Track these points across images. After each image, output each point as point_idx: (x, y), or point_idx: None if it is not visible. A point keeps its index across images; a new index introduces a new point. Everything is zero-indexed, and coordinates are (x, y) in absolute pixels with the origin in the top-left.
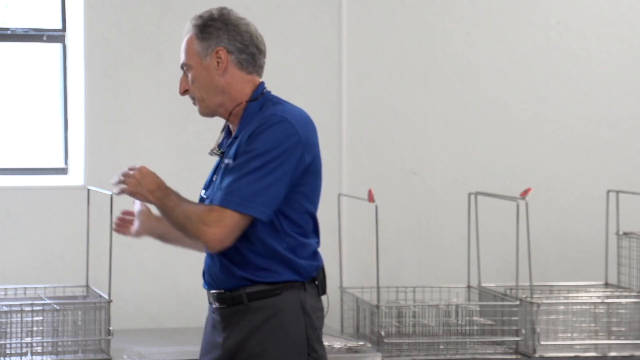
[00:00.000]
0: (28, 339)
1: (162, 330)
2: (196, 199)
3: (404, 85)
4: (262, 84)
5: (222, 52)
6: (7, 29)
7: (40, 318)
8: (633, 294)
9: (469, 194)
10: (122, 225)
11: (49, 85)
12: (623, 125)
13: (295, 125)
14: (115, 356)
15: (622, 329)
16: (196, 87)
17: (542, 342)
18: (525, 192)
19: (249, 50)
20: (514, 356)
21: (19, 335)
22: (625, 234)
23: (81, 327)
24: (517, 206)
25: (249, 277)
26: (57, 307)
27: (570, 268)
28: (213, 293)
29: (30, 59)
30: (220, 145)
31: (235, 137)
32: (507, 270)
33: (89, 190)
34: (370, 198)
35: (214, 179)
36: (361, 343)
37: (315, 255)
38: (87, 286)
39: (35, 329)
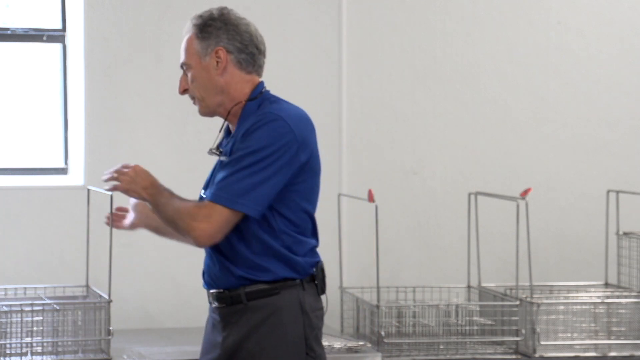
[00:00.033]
0: (28, 339)
1: (162, 330)
2: (196, 199)
3: (404, 85)
4: (261, 83)
5: (221, 51)
6: (7, 29)
7: (40, 318)
8: (633, 294)
9: (469, 194)
10: (114, 219)
11: (49, 85)
12: (623, 125)
13: (290, 124)
14: (115, 356)
15: (622, 329)
16: (195, 86)
17: (542, 342)
18: (525, 192)
19: (248, 50)
20: (514, 356)
21: (19, 335)
22: (625, 234)
23: (81, 327)
24: (517, 206)
25: (247, 276)
26: (57, 307)
27: (570, 268)
28: (213, 293)
29: (30, 59)
30: (219, 145)
31: (233, 136)
32: (507, 270)
33: (89, 190)
34: (370, 198)
35: None
36: (361, 343)
37: (312, 252)
38: (87, 286)
39: (35, 329)
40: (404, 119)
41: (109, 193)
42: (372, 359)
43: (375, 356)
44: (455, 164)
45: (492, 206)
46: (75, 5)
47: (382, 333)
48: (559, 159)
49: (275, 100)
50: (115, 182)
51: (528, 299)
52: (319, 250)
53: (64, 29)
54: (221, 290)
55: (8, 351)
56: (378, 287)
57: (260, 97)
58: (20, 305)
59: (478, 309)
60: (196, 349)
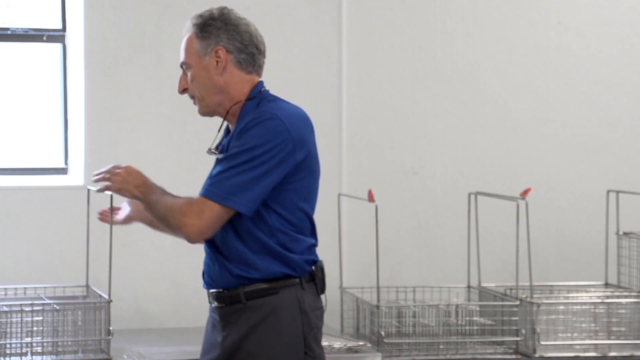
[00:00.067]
0: (28, 339)
1: (162, 330)
2: (189, 196)
3: (404, 85)
4: (260, 82)
5: (221, 51)
6: (7, 29)
7: (40, 318)
8: (633, 294)
9: (469, 194)
10: (105, 215)
11: (49, 85)
12: (623, 125)
13: (286, 122)
14: (115, 356)
15: (622, 329)
16: (195, 86)
17: (542, 342)
18: (525, 192)
19: (248, 50)
20: (514, 356)
21: (19, 335)
22: (625, 234)
23: (81, 327)
24: (517, 206)
25: (244, 275)
26: (57, 307)
27: (570, 268)
28: (212, 292)
29: (30, 59)
30: (219, 145)
31: (230, 135)
32: (507, 270)
33: (89, 190)
34: (370, 198)
35: None
36: (361, 343)
37: (309, 250)
38: (87, 286)
39: (35, 329)
40: (404, 119)
41: (109, 193)
42: (372, 359)
43: (375, 356)
44: (455, 164)
45: (492, 206)
46: (75, 5)
47: (382, 333)
48: (559, 159)
49: (274, 99)
50: (106, 183)
51: (528, 299)
52: (319, 250)
53: (64, 29)
54: (220, 290)
55: (8, 351)
56: (378, 287)
57: (259, 97)
58: (20, 305)
59: (478, 309)
60: (196, 349)
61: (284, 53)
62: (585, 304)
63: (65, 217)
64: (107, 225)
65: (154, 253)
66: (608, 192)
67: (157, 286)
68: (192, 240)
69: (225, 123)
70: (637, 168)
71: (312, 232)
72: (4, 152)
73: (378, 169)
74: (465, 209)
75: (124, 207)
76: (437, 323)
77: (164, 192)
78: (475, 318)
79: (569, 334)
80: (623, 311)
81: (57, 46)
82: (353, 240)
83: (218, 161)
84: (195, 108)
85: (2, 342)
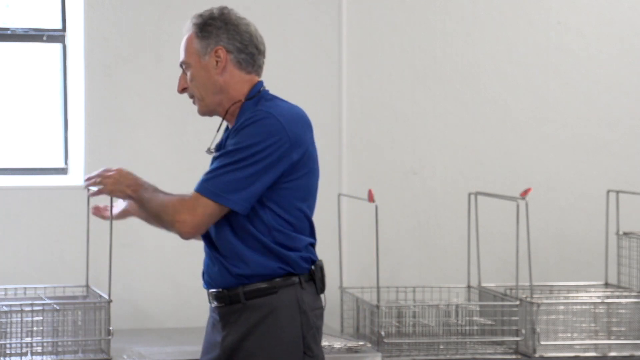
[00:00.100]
0: (28, 339)
1: (162, 330)
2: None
3: (404, 85)
4: (259, 82)
5: (221, 51)
6: (7, 29)
7: (40, 318)
8: (633, 294)
9: (469, 194)
10: (97, 211)
11: (49, 85)
12: (623, 125)
13: (281, 121)
14: (115, 356)
15: (622, 329)
16: (195, 85)
17: (542, 342)
18: (525, 192)
19: (248, 50)
20: (514, 356)
21: (19, 335)
22: (625, 234)
23: (81, 327)
24: (517, 206)
25: (243, 273)
26: (57, 307)
27: (570, 268)
28: (212, 292)
29: (30, 59)
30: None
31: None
32: (507, 270)
33: (89, 190)
34: (370, 198)
35: None
36: (361, 343)
37: (307, 249)
38: (87, 286)
39: (35, 329)
40: (404, 119)
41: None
42: (372, 359)
43: (375, 356)
44: (455, 164)
45: (492, 206)
46: (75, 5)
47: (382, 333)
48: (559, 159)
49: (271, 98)
50: (99, 187)
51: (528, 299)
52: (319, 250)
53: (64, 29)
54: (220, 290)
55: (8, 351)
56: (378, 287)
57: (258, 96)
58: (20, 305)
59: (478, 309)
60: (196, 349)
61: (284, 53)
62: (585, 304)
63: (65, 217)
64: (107, 225)
65: (154, 253)
66: (608, 192)
67: (157, 286)
68: (185, 236)
69: (225, 123)
70: (637, 168)
71: (311, 232)
72: (4, 152)
73: (378, 169)
74: (465, 209)
75: (120, 202)
76: (437, 323)
77: (156, 190)
78: (475, 318)
79: (569, 334)
80: (623, 311)
81: (57, 46)
82: (353, 240)
83: (214, 159)
84: (195, 108)
85: (2, 342)
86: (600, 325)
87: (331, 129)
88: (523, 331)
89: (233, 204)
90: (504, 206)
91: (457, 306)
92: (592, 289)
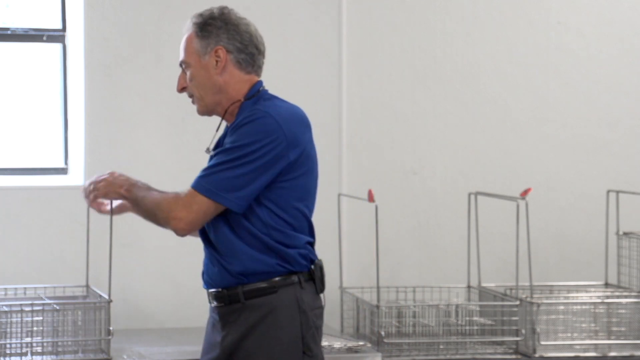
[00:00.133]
0: (28, 339)
1: (162, 330)
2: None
3: (404, 85)
4: (258, 82)
5: (221, 51)
6: (7, 29)
7: (40, 318)
8: (633, 294)
9: (469, 194)
10: (99, 202)
11: (49, 85)
12: (623, 125)
13: (278, 121)
14: (115, 356)
15: (622, 329)
16: (194, 85)
17: (542, 342)
18: (525, 192)
19: (248, 50)
20: (514, 356)
21: (19, 335)
22: (625, 234)
23: (81, 327)
24: (517, 206)
25: (243, 272)
26: (57, 307)
27: (570, 268)
28: (211, 292)
29: (30, 59)
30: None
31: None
32: (507, 270)
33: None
34: (370, 198)
35: None
36: (361, 343)
37: (305, 246)
38: (87, 286)
39: (35, 329)
40: (404, 119)
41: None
42: (372, 359)
43: (375, 356)
44: (455, 164)
45: (492, 206)
46: (75, 5)
47: (382, 333)
48: (559, 159)
49: (270, 98)
50: (94, 194)
51: (528, 299)
52: (319, 250)
53: (64, 29)
54: (219, 290)
55: (8, 351)
56: (378, 287)
57: (256, 96)
58: (20, 305)
59: (478, 309)
60: (196, 349)
61: (284, 53)
62: (585, 304)
63: (65, 217)
64: (107, 225)
65: (154, 253)
66: (608, 192)
67: (157, 286)
68: (180, 233)
69: (224, 122)
70: (637, 168)
71: (310, 231)
72: (4, 152)
73: (378, 169)
74: (465, 209)
75: None
76: (437, 323)
77: (149, 188)
78: (475, 318)
79: (569, 334)
80: (623, 311)
81: (57, 46)
82: (353, 240)
83: (211, 157)
84: (195, 108)
85: (2, 342)
86: (600, 325)
87: (331, 129)
88: (523, 331)
89: (229, 203)
90: (504, 206)
91: (457, 306)
92: (592, 289)
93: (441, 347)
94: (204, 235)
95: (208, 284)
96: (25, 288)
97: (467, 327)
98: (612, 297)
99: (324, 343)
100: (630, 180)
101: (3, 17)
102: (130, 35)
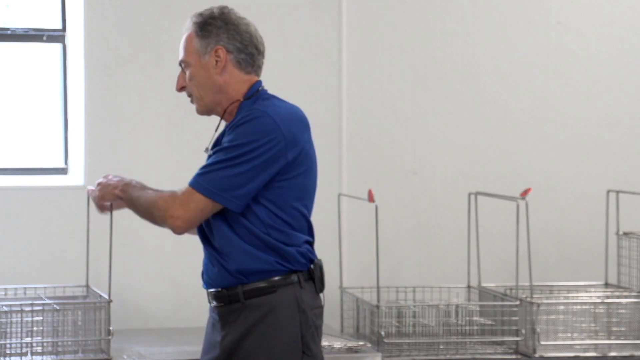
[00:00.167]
0: (28, 339)
1: (162, 330)
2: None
3: (404, 85)
4: (257, 82)
5: (221, 50)
6: (7, 29)
7: (40, 318)
8: (633, 294)
9: (469, 194)
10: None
11: (49, 85)
12: (623, 125)
13: (276, 121)
14: (115, 356)
15: (622, 329)
16: (194, 84)
17: (542, 342)
18: (525, 192)
19: (248, 50)
20: (514, 356)
21: (19, 335)
22: (625, 234)
23: (81, 327)
24: (517, 206)
25: (243, 271)
26: (57, 307)
27: (570, 268)
28: (211, 292)
29: (30, 59)
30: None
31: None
32: (507, 270)
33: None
34: (370, 198)
35: None
36: (361, 343)
37: (304, 245)
38: (87, 286)
39: (35, 329)
40: (404, 119)
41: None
42: (372, 359)
43: (375, 356)
44: (455, 164)
45: (492, 206)
46: (75, 5)
47: (382, 333)
48: (559, 159)
49: (268, 97)
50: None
51: (528, 299)
52: (319, 250)
53: (64, 29)
54: (219, 290)
55: (8, 351)
56: (378, 287)
57: (255, 96)
58: (20, 305)
59: (478, 309)
60: (196, 349)
61: (284, 53)
62: (585, 304)
63: (65, 217)
64: (107, 225)
65: (154, 253)
66: (608, 192)
67: (157, 286)
68: (177, 231)
69: (223, 122)
70: (637, 168)
71: (309, 231)
72: (4, 152)
73: (378, 169)
74: (465, 209)
75: None
76: (437, 323)
77: (144, 187)
78: (475, 318)
79: (569, 334)
80: (623, 311)
81: (57, 46)
82: (353, 240)
83: (209, 156)
84: (194, 107)
85: (2, 342)
86: (600, 325)
87: (331, 129)
88: (523, 331)
89: (226, 201)
90: (504, 206)
91: (457, 306)
92: (592, 289)
93: (441, 347)
94: (203, 235)
95: (208, 284)
96: (25, 288)
97: (467, 327)
98: (612, 297)
99: (324, 343)
100: (630, 180)
101: (3, 17)
102: (130, 35)
